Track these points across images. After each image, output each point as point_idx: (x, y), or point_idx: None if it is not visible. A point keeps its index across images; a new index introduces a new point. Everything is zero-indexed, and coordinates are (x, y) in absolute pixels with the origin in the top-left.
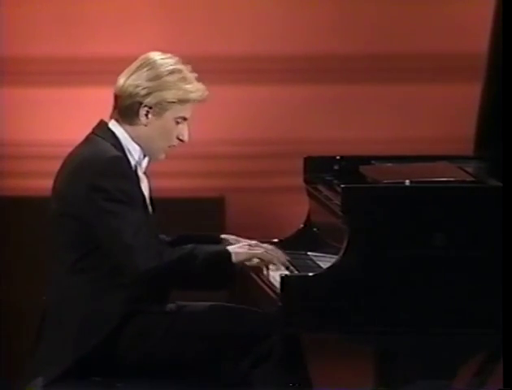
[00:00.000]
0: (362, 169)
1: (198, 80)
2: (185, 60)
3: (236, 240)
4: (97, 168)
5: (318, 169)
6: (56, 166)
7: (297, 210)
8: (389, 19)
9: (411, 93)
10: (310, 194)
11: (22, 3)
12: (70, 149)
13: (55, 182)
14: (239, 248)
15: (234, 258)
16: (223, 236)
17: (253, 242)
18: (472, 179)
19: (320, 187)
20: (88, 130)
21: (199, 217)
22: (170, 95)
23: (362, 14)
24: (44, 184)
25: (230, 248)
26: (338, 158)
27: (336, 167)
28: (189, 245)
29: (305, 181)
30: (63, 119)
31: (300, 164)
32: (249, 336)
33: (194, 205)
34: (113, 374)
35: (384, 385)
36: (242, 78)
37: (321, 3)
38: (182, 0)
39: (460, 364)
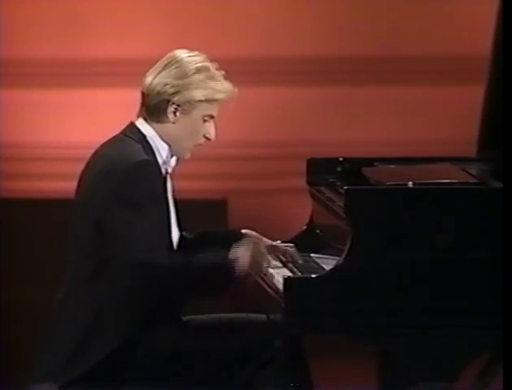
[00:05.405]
0: (365, 171)
1: (225, 77)
2: None
3: (257, 237)
4: (124, 172)
5: (321, 171)
6: (55, 167)
7: (299, 212)
8: (393, 21)
9: (414, 95)
10: (312, 196)
11: (21, 5)
12: (69, 151)
13: (79, 184)
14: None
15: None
16: (244, 231)
17: (269, 242)
18: (475, 181)
19: (323, 189)
20: (88, 132)
21: (202, 219)
22: (198, 94)
23: (367, 16)
24: (43, 186)
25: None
26: (341, 159)
27: (338, 169)
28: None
29: (308, 183)
30: (63, 121)
31: (303, 166)
32: (253, 343)
33: (197, 208)
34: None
35: (387, 387)
36: (246, 80)
37: (325, 5)
38: (185, 2)
39: (462, 366)
